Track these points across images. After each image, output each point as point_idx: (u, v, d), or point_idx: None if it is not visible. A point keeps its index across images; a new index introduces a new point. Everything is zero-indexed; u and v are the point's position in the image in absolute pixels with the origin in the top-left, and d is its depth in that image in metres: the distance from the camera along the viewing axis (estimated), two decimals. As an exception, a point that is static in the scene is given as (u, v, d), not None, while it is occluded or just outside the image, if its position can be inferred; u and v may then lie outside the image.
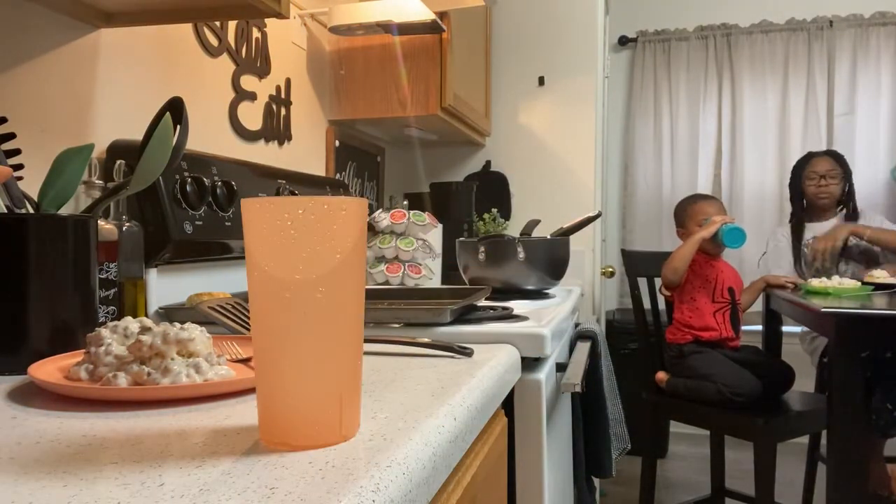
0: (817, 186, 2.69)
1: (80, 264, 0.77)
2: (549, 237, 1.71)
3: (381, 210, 1.86)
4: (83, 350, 0.68)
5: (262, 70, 1.66)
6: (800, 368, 2.49)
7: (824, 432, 2.21)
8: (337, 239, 0.47)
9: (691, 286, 2.29)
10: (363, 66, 2.03)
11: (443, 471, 0.53)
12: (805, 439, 2.66)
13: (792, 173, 2.82)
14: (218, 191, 1.24)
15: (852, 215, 2.70)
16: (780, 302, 2.42)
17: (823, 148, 3.46)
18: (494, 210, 2.32)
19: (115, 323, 0.69)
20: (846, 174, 2.70)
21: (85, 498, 0.39)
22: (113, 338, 0.66)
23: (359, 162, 2.25)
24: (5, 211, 0.79)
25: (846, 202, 2.72)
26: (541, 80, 2.62)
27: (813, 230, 2.71)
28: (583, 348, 1.37)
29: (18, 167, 0.81)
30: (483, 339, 1.01)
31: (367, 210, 0.51)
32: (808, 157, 2.78)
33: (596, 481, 1.82)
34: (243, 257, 0.54)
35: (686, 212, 2.37)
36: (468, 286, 1.56)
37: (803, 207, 2.78)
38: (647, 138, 3.72)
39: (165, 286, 1.15)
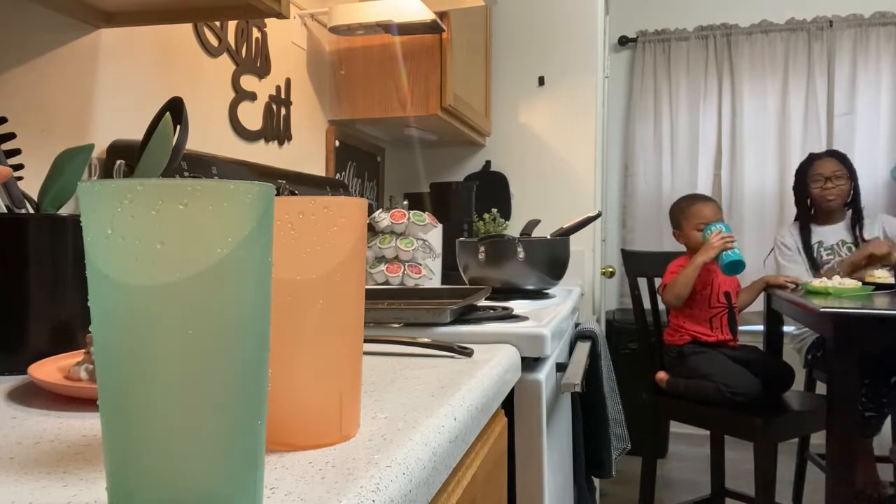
0: (823, 189, 2.60)
1: (80, 264, 0.77)
2: (549, 237, 1.71)
3: (381, 210, 1.86)
4: (83, 350, 0.68)
5: (262, 70, 1.66)
6: (800, 368, 2.50)
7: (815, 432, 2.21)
8: (337, 239, 0.47)
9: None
10: (363, 66, 2.03)
11: (443, 471, 0.53)
12: (805, 439, 2.67)
13: (795, 176, 2.74)
14: (218, 191, 1.24)
15: (857, 217, 2.62)
16: (780, 302, 2.42)
17: (824, 148, 3.46)
18: (494, 210, 2.32)
19: (115, 323, 0.68)
20: (851, 174, 2.62)
21: (85, 498, 0.39)
22: (113, 338, 0.66)
23: (359, 162, 2.25)
24: (5, 211, 0.79)
25: (853, 203, 2.63)
26: (541, 80, 2.62)
27: (820, 234, 2.64)
28: (583, 348, 1.37)
29: (18, 167, 0.81)
30: (483, 339, 1.01)
31: (367, 210, 0.51)
32: (811, 160, 2.69)
33: (596, 481, 1.82)
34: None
35: (683, 213, 2.36)
36: (468, 286, 1.56)
37: (809, 210, 2.69)
38: (647, 138, 3.72)
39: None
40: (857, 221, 2.63)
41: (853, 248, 2.58)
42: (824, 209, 2.64)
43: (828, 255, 2.61)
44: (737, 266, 2.17)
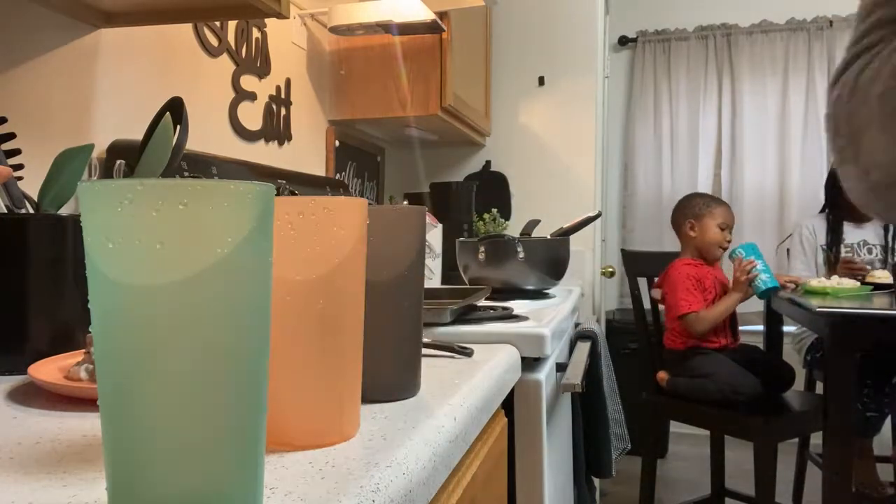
0: None
1: (80, 264, 0.77)
2: (549, 237, 1.71)
3: (381, 210, 1.86)
4: (83, 350, 0.68)
5: (262, 70, 1.66)
6: (800, 368, 2.50)
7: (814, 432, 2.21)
8: (337, 239, 0.47)
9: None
10: (363, 66, 2.03)
11: (443, 471, 0.53)
12: (805, 439, 2.67)
13: (830, 177, 2.65)
14: (218, 191, 1.24)
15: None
16: (780, 302, 2.42)
17: (824, 148, 3.46)
18: (494, 210, 2.32)
19: (115, 323, 0.68)
20: None
21: (85, 498, 0.39)
22: (113, 338, 0.66)
23: (359, 162, 2.25)
24: (5, 211, 0.79)
25: None
26: (541, 80, 2.62)
27: (844, 230, 2.59)
28: (583, 348, 1.37)
29: (18, 167, 0.81)
30: (483, 339, 1.01)
31: (367, 211, 0.51)
32: None
33: (596, 481, 1.82)
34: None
35: (708, 207, 2.29)
36: (468, 286, 1.56)
37: (841, 210, 2.59)
38: (647, 138, 3.72)
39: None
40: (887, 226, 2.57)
41: (873, 251, 2.55)
42: (858, 213, 2.56)
43: (846, 251, 2.58)
44: (771, 292, 2.21)
